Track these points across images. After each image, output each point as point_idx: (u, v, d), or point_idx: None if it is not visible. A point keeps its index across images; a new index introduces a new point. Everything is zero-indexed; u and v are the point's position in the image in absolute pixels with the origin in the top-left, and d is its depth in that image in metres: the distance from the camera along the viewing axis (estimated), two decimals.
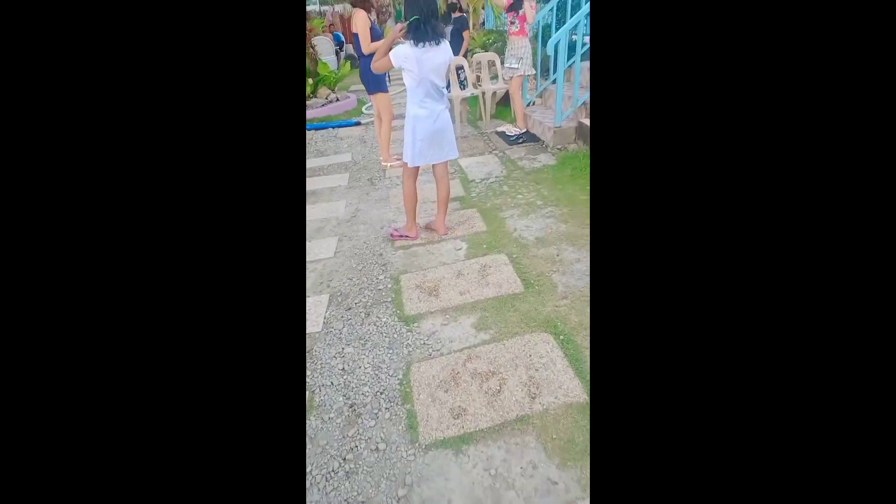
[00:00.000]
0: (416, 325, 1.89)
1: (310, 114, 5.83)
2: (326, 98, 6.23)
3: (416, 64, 2.14)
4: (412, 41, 2.14)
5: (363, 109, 5.99)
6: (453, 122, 4.68)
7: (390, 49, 2.19)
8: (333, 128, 5.43)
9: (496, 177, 3.43)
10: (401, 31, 2.19)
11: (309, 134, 5.26)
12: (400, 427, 1.42)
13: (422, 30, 2.11)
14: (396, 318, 1.94)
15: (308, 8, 6.68)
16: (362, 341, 1.83)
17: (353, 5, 3.44)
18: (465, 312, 1.93)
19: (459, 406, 1.46)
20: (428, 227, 2.68)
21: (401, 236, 2.60)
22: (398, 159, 3.86)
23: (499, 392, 1.50)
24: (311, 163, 4.22)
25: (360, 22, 3.36)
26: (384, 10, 12.07)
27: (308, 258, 2.54)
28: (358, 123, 5.43)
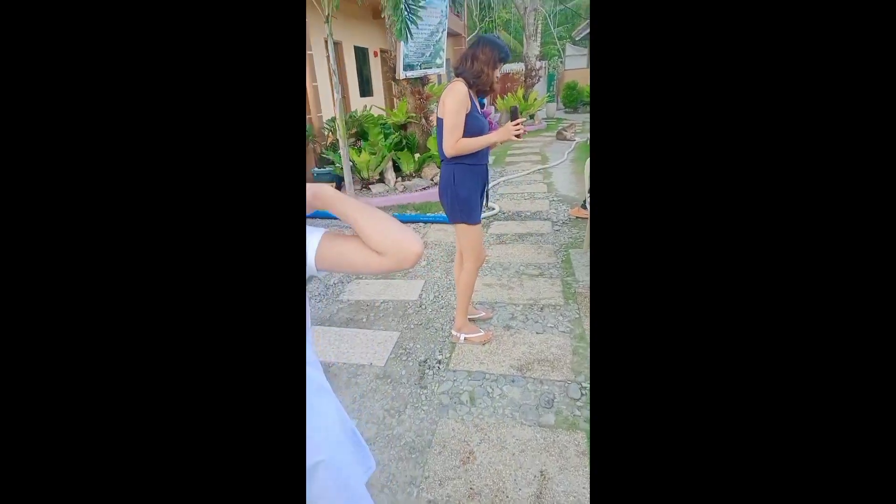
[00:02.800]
0: None
1: (404, 198, 4.60)
2: (432, 179, 4.98)
3: None
4: None
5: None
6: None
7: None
8: (425, 223, 4.05)
9: None
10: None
11: None
12: None
13: None
14: None
15: (432, 71, 5.59)
16: None
17: (457, 73, 1.96)
18: None
19: None
20: None
21: None
22: (478, 331, 2.17)
23: None
24: (359, 292, 2.80)
25: (454, 99, 1.83)
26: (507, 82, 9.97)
27: None
28: None
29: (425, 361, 2.05)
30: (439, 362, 2.03)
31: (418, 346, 2.18)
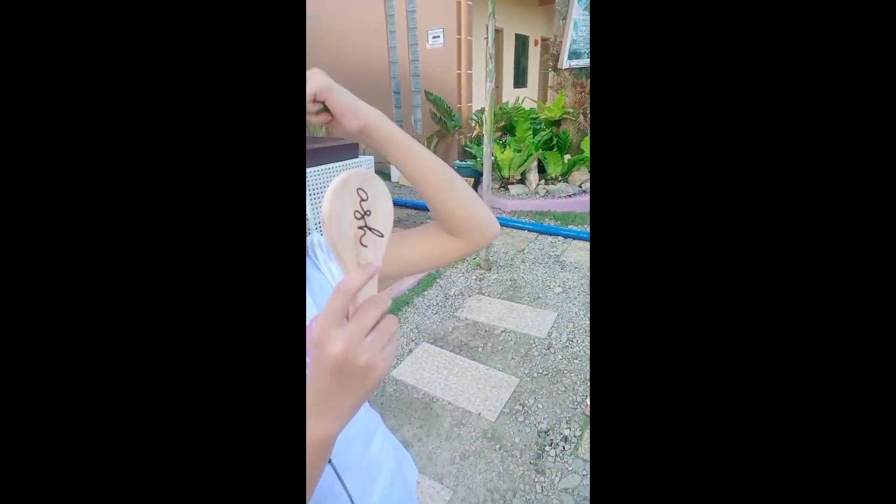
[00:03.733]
0: None
1: (545, 204, 4.11)
2: (580, 186, 4.36)
3: None
4: None
5: None
6: None
7: None
8: (564, 237, 3.53)
9: None
10: None
11: (521, 237, 3.53)
12: None
13: None
14: None
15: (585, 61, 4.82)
16: None
17: None
18: None
19: None
20: None
21: None
22: None
23: None
24: (479, 311, 2.46)
25: None
26: None
27: None
28: None
29: (547, 432, 1.61)
30: (565, 440, 1.58)
31: (540, 405, 1.75)
